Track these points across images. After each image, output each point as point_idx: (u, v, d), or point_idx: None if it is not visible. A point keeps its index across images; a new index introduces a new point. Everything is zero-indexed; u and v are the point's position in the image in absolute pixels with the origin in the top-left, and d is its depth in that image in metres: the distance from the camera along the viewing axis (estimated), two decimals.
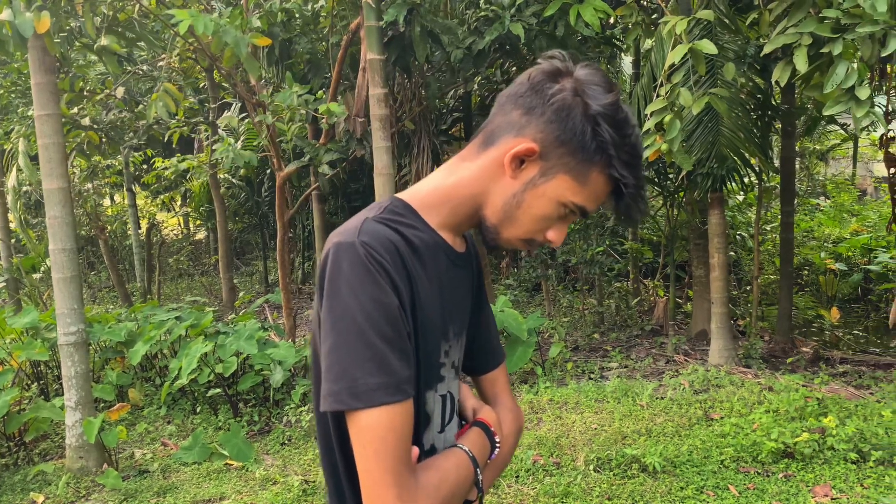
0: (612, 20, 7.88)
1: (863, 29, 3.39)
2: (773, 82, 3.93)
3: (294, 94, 5.33)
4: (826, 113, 3.58)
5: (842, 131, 12.28)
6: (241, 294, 9.71)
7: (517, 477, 4.29)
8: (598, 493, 4.02)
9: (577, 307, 8.34)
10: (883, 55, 3.48)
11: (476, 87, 8.26)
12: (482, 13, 6.25)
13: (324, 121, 5.72)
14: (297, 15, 6.58)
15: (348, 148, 6.53)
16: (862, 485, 3.97)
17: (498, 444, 1.29)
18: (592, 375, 6.25)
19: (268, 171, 10.85)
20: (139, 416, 5.88)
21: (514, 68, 7.97)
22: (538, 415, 5.22)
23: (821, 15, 3.52)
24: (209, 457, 4.93)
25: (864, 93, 3.42)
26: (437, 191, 1.21)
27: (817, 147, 12.51)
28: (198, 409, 5.90)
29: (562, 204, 1.15)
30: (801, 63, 3.50)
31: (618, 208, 1.18)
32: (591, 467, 4.30)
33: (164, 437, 5.41)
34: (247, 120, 8.88)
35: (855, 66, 7.19)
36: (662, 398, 5.42)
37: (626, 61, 10.69)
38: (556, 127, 1.11)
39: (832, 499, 3.86)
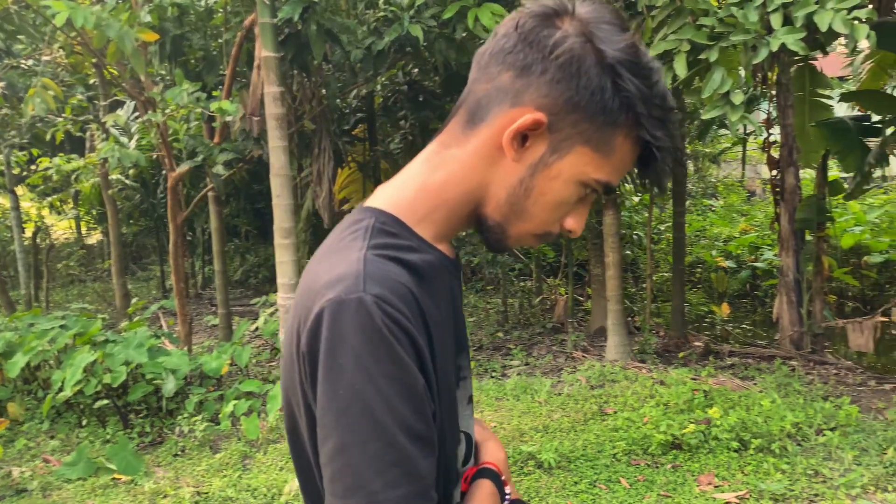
0: None
1: (736, 37, 3.57)
2: None
3: (185, 91, 5.14)
4: (704, 117, 3.76)
5: (732, 135, 12.92)
6: (134, 300, 9.30)
7: None
8: None
9: (482, 307, 8.42)
10: (754, 62, 3.68)
11: (379, 87, 8.22)
12: (381, 13, 6.22)
13: (218, 119, 5.55)
14: (190, 10, 6.37)
15: (245, 148, 6.37)
16: (743, 472, 4.17)
17: (508, 496, 1.05)
18: (494, 374, 6.32)
19: (164, 172, 10.45)
20: (19, 431, 5.52)
21: (415, 70, 7.98)
22: None
23: (698, 23, 3.68)
24: (95, 472, 4.68)
25: (737, 98, 3.60)
26: (423, 193, 0.94)
27: (708, 150, 13.12)
28: (84, 423, 5.60)
29: (582, 184, 0.91)
30: (680, 69, 3.65)
31: (646, 174, 0.95)
32: None
33: (46, 454, 5.10)
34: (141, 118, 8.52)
35: (742, 73, 7.52)
36: (560, 394, 5.53)
37: None
38: (565, 86, 0.86)
39: (715, 486, 4.03)
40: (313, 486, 0.94)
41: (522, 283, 9.15)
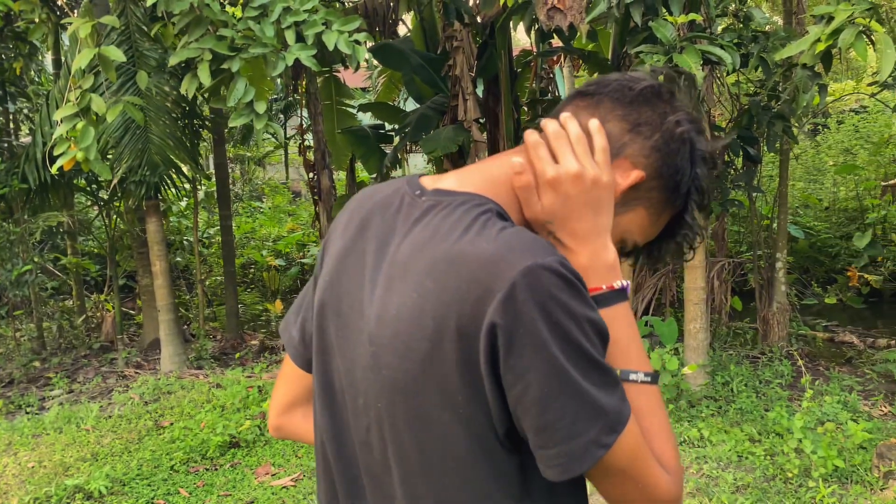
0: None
1: (254, 50, 3.79)
2: (185, 93, 4.07)
3: None
4: (231, 124, 3.90)
5: (273, 139, 13.52)
6: None
7: None
8: None
9: (10, 335, 7.34)
10: (273, 74, 3.95)
11: None
12: None
13: None
14: None
15: None
16: (297, 455, 4.48)
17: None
18: (30, 409, 5.59)
19: None
20: None
21: None
22: None
23: (219, 33, 3.80)
24: None
25: (261, 107, 3.83)
26: (510, 191, 0.97)
27: (252, 154, 13.53)
28: None
29: (622, 241, 1.02)
30: (204, 77, 3.72)
31: (658, 246, 1.07)
32: None
33: None
34: None
35: (279, 81, 7.84)
36: (111, 417, 5.18)
37: (51, 60, 9.79)
38: (661, 156, 0.97)
39: (272, 475, 4.25)
40: (437, 481, 0.90)
41: (61, 303, 8.25)
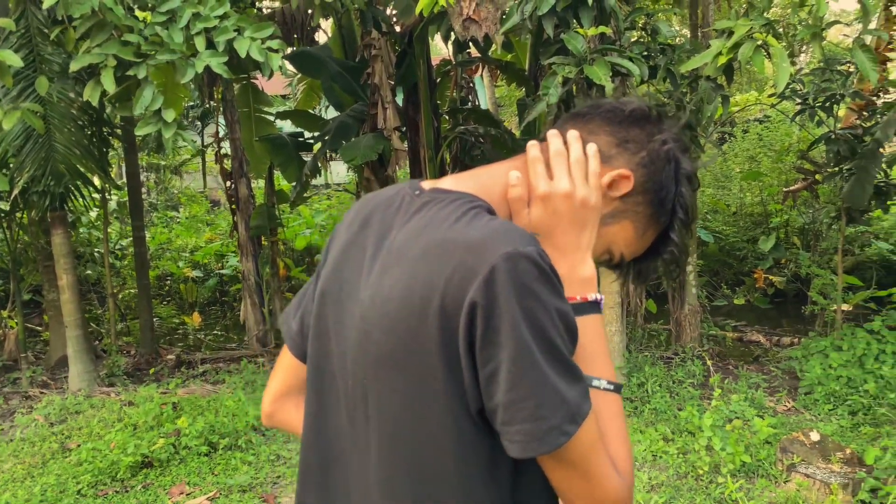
0: None
1: (162, 56, 3.67)
2: (88, 100, 3.90)
3: None
4: (138, 133, 3.77)
5: (190, 147, 13.11)
6: None
7: None
8: None
9: None
10: (182, 81, 3.84)
11: None
12: None
13: None
14: None
15: None
16: (213, 473, 4.35)
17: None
18: None
19: None
20: None
21: None
22: None
23: (124, 39, 3.66)
24: None
25: (170, 115, 3.72)
26: (504, 200, 1.04)
27: (165, 162, 13.11)
28: None
29: (608, 251, 1.08)
30: (108, 83, 3.58)
31: (642, 263, 1.13)
32: None
33: None
34: None
35: (193, 87, 7.62)
36: (12, 440, 4.91)
37: None
38: (646, 172, 1.04)
39: (187, 494, 4.11)
40: (423, 458, 0.93)
41: None
